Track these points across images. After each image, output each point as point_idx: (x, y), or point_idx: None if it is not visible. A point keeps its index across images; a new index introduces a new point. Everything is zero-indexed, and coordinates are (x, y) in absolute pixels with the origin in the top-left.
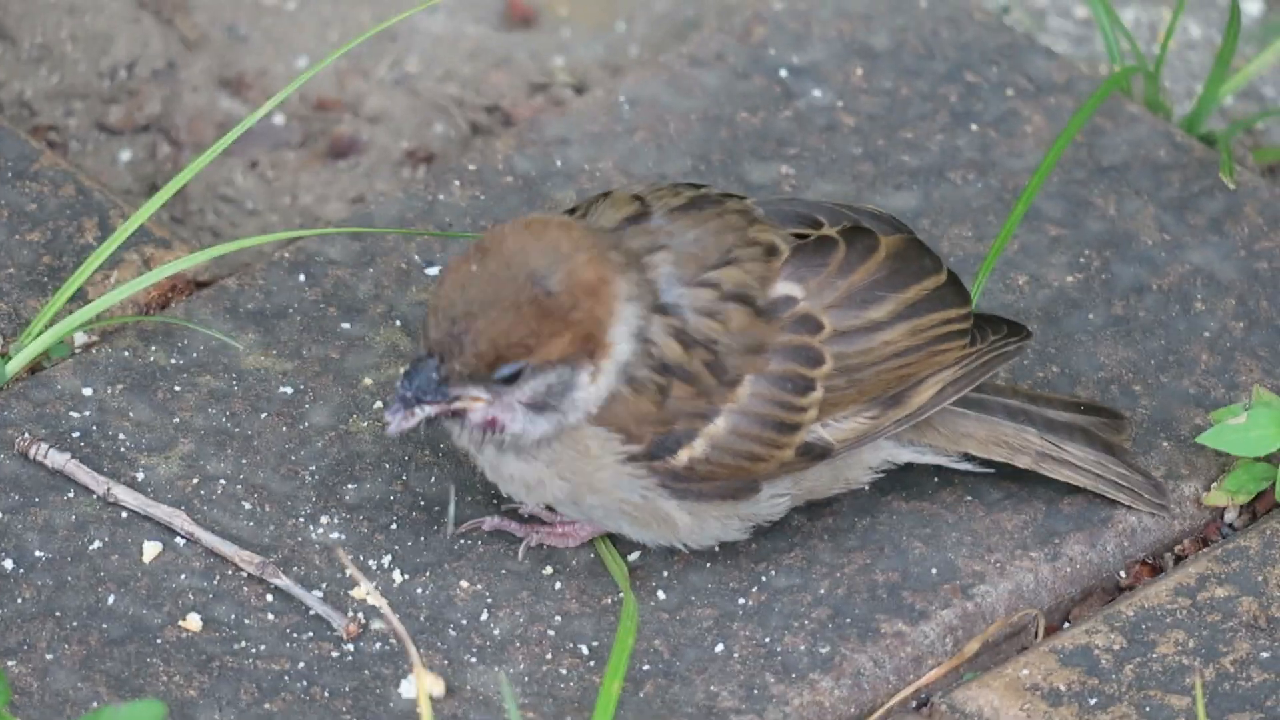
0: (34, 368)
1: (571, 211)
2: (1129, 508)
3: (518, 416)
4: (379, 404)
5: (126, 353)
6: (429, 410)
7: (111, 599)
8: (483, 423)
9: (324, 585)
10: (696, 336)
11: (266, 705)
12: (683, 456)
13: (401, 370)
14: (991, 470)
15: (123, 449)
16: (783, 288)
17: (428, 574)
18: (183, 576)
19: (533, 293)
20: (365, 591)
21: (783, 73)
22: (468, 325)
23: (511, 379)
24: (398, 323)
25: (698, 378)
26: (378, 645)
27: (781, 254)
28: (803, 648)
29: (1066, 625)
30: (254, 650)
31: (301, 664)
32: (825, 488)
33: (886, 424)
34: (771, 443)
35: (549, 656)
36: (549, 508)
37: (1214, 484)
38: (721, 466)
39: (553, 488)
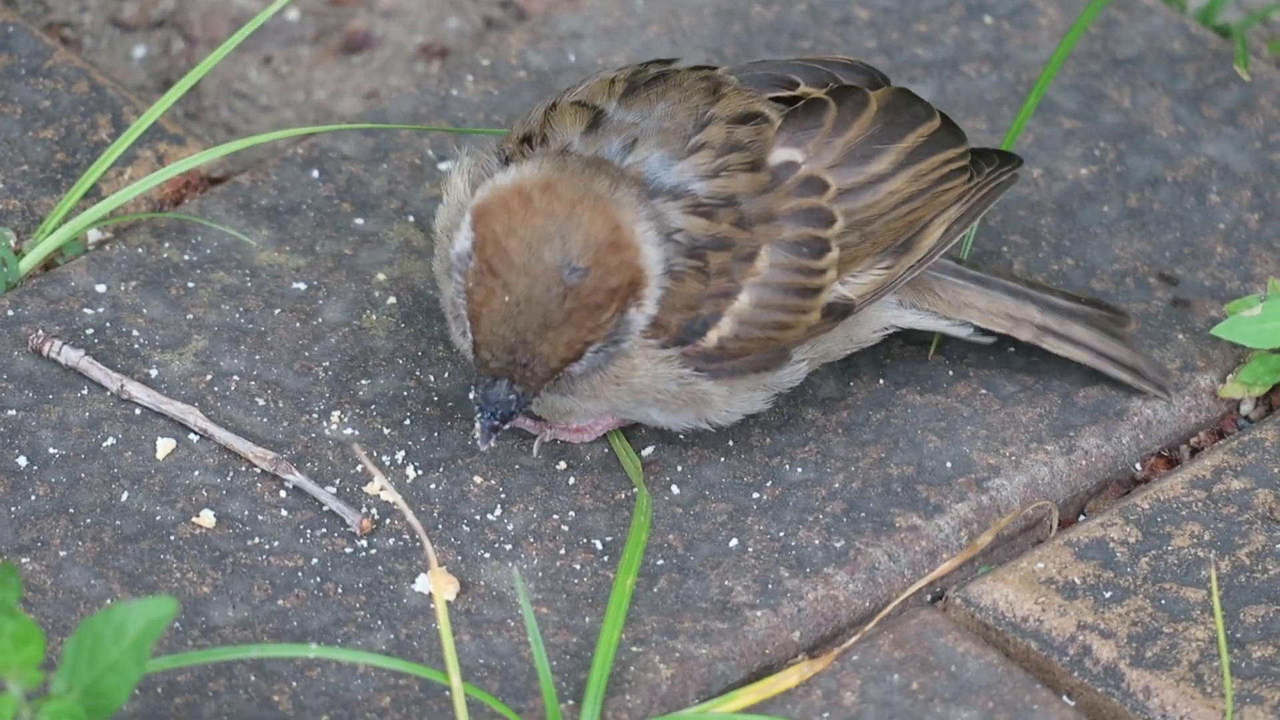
0: (48, 265)
1: (526, 140)
2: (1136, 391)
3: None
4: (392, 299)
5: (140, 249)
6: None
7: (125, 496)
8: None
9: (337, 481)
10: (715, 201)
11: (280, 601)
12: (711, 338)
13: (471, 393)
14: (991, 340)
15: (136, 346)
16: (781, 154)
17: (441, 470)
18: (196, 473)
19: (567, 289)
20: (379, 487)
21: None
22: (530, 352)
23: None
24: (411, 218)
25: (730, 240)
26: (391, 541)
27: (773, 122)
28: (817, 542)
29: (1082, 518)
30: (267, 546)
31: (315, 560)
32: (839, 349)
33: (901, 271)
34: (797, 309)
35: (563, 552)
36: None
37: (1230, 376)
38: (751, 341)
39: (586, 406)
